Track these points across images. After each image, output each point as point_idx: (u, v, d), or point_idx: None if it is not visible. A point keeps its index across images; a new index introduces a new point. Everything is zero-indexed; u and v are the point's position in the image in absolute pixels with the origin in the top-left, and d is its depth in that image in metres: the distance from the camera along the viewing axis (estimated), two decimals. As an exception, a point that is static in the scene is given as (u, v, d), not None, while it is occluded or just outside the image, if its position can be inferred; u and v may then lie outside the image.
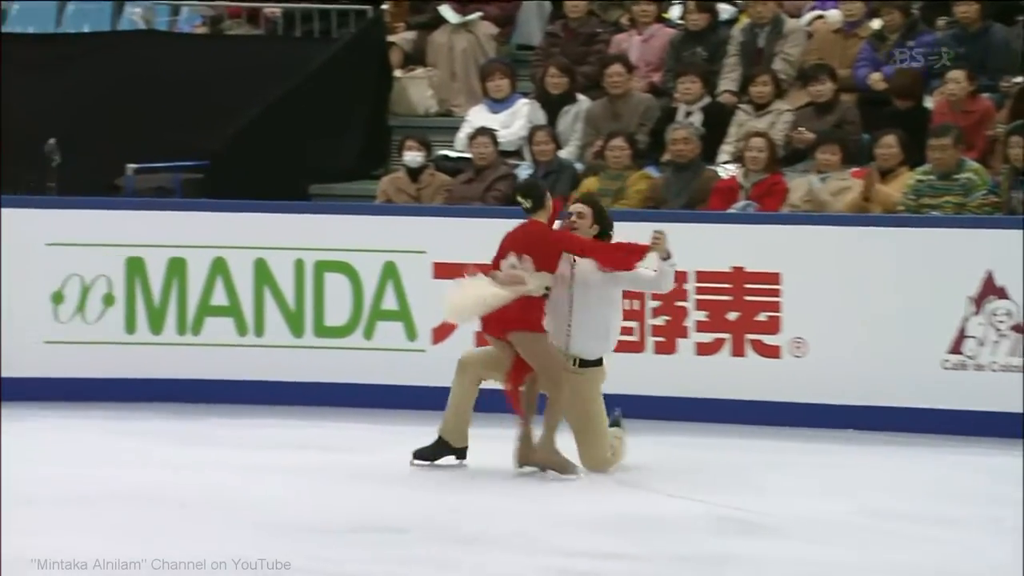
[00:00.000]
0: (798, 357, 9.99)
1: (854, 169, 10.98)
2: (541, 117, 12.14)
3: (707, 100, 11.84)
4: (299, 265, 10.53)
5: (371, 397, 10.24)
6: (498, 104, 12.29)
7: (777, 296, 10.03)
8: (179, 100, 12.63)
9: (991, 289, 9.77)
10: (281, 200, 11.08)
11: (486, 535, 7.47)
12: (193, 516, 7.69)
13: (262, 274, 10.54)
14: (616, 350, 10.07)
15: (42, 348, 10.56)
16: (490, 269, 8.62)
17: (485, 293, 8.47)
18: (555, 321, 8.60)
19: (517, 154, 12.13)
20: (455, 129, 12.42)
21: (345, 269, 10.47)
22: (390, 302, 10.34)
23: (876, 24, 12.01)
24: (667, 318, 10.14)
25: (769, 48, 12.08)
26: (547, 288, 8.58)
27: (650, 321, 10.15)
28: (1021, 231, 9.70)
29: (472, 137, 11.87)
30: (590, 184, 11.42)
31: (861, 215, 10.44)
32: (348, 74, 12.68)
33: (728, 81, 12.09)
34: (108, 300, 10.64)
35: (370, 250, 10.41)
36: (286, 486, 8.38)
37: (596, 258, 8.62)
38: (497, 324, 8.56)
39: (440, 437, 8.73)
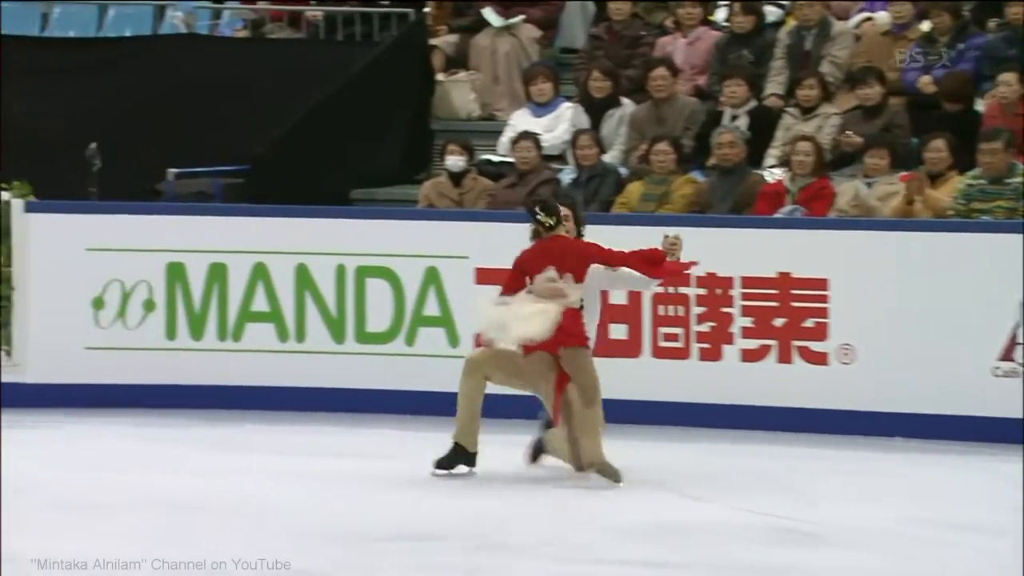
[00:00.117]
0: (846, 364, 9.96)
1: (902, 173, 10.93)
2: (585, 121, 12.14)
3: (753, 103, 11.82)
4: (340, 270, 10.56)
5: (412, 404, 10.25)
6: (541, 108, 12.30)
7: (824, 302, 10.00)
8: (220, 104, 12.69)
9: (1043, 295, 9.71)
10: (322, 205, 11.11)
11: (518, 543, 7.47)
12: (226, 523, 7.71)
13: (303, 279, 10.57)
14: (661, 356, 10.14)
15: (82, 354, 10.62)
16: (513, 288, 8.58)
17: (540, 311, 8.50)
18: None
19: (560, 158, 12.14)
20: (498, 133, 12.43)
21: (387, 274, 10.48)
22: (432, 308, 10.35)
23: (925, 26, 11.96)
24: (712, 324, 10.12)
25: (816, 51, 12.05)
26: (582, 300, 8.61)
27: (695, 327, 10.14)
28: (1074, 236, 9.64)
29: (515, 141, 11.87)
30: (634, 189, 11.42)
31: (910, 220, 10.39)
32: (390, 78, 12.71)
33: (775, 84, 12.06)
34: (149, 306, 10.69)
35: (412, 255, 10.43)
36: (322, 493, 8.40)
37: (643, 270, 8.63)
38: (551, 338, 8.56)
39: (456, 444, 8.72)
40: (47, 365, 10.61)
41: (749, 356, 10.08)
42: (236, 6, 14.41)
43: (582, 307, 8.64)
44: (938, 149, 10.76)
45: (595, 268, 8.64)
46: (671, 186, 11.30)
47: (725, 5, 12.90)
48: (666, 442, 9.72)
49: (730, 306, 10.09)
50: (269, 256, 10.59)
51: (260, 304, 10.61)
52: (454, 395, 9.56)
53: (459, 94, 13.03)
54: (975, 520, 7.96)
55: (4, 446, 9.44)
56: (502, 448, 8.84)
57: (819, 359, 9.99)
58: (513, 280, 8.66)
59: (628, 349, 10.19)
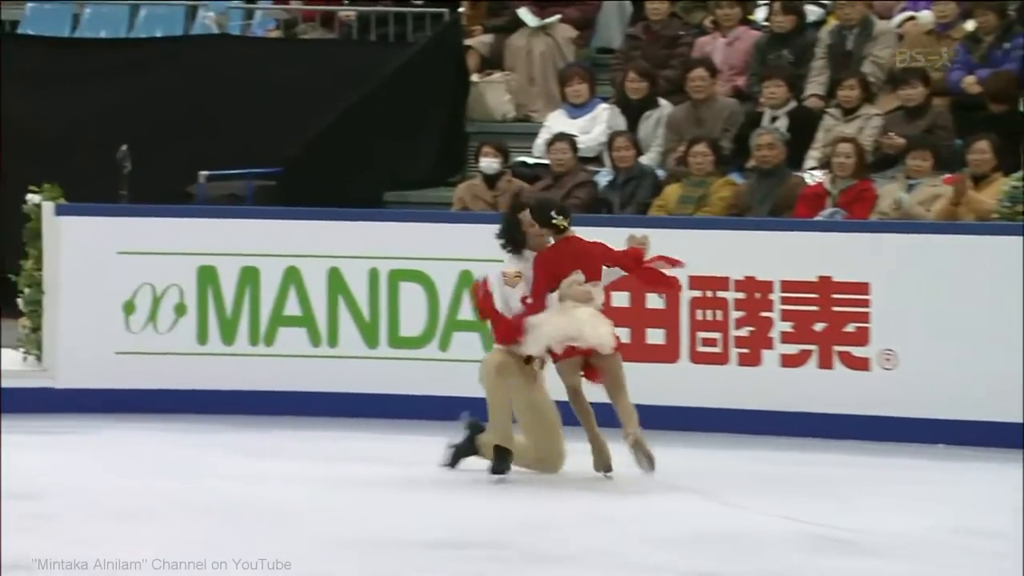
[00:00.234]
0: (888, 370, 9.93)
1: (946, 175, 10.90)
2: (621, 122, 12.14)
3: (793, 104, 11.81)
4: (373, 274, 10.58)
5: (447, 409, 10.24)
6: (577, 109, 12.31)
7: (866, 306, 9.98)
8: (252, 105, 12.74)
9: (1089, 299, 9.67)
10: (355, 208, 11.14)
11: (563, 552, 7.48)
12: (257, 530, 7.72)
13: (336, 283, 10.60)
14: (699, 361, 10.14)
15: (113, 359, 10.67)
16: (543, 292, 8.67)
17: (594, 314, 8.65)
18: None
19: (597, 160, 12.14)
20: (533, 135, 12.45)
21: (420, 278, 10.50)
22: (467, 312, 10.35)
23: (970, 25, 11.93)
24: (751, 329, 10.11)
25: (858, 51, 12.03)
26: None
27: (734, 332, 10.13)
28: (1121, 239, 9.60)
29: (550, 143, 11.89)
30: (672, 191, 11.42)
31: (953, 223, 10.36)
32: (424, 79, 12.73)
33: (815, 85, 12.05)
34: (180, 310, 10.73)
35: (446, 259, 10.44)
36: (356, 500, 8.42)
37: (633, 270, 8.77)
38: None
39: (501, 447, 8.76)
40: (77, 370, 10.66)
41: (789, 361, 10.07)
42: (268, 6, 14.47)
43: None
44: (982, 151, 10.73)
45: (605, 269, 8.79)
46: (709, 188, 11.30)
47: (765, 4, 12.89)
48: (704, 449, 9.71)
49: (769, 310, 10.08)
50: (301, 259, 10.62)
51: (292, 308, 10.65)
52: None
53: (494, 95, 13.05)
54: (1020, 530, 7.92)
55: (33, 452, 9.51)
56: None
57: (860, 364, 9.97)
58: (544, 283, 8.68)
59: (665, 354, 10.19)
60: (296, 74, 12.85)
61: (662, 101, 12.21)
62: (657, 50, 12.57)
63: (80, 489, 8.49)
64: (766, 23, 12.68)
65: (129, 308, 10.71)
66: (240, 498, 8.37)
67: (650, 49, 12.59)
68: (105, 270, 10.69)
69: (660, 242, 10.27)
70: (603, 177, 11.84)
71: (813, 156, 11.62)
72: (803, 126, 11.66)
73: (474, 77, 13.11)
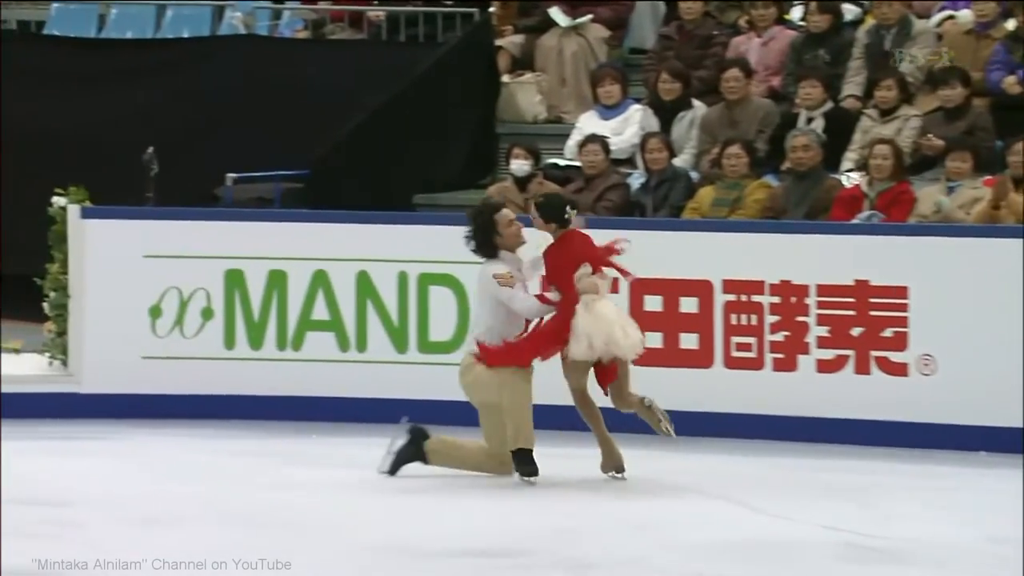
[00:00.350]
0: (927, 375, 9.91)
1: (986, 177, 10.87)
2: (654, 124, 12.14)
3: (829, 105, 11.79)
4: (403, 278, 10.61)
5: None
6: (609, 110, 12.31)
7: (904, 311, 9.96)
8: (280, 107, 12.77)
9: None
10: (384, 211, 11.16)
11: (590, 559, 7.48)
12: (288, 538, 7.75)
13: (364, 287, 10.62)
14: (733, 367, 10.13)
15: (139, 363, 10.71)
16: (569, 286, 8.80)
17: (614, 316, 8.84)
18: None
19: (629, 162, 12.14)
20: (565, 136, 12.45)
21: (450, 282, 10.52)
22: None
23: (1011, 24, 11.89)
24: (787, 334, 10.11)
25: (896, 50, 12.00)
26: None
27: (769, 337, 10.12)
28: None
29: (582, 145, 11.89)
30: (706, 194, 11.42)
31: (993, 226, 10.33)
32: (454, 80, 12.75)
33: (852, 85, 12.03)
34: (207, 314, 10.77)
35: (476, 262, 10.43)
36: (382, 507, 8.44)
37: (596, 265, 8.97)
38: None
39: (525, 450, 8.84)
40: (103, 375, 10.70)
41: (825, 367, 10.05)
42: (296, 6, 14.50)
43: None
44: (1023, 152, 10.70)
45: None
46: (744, 191, 11.29)
47: (801, 4, 12.87)
48: (737, 455, 9.71)
49: (805, 315, 10.07)
50: (330, 263, 10.65)
51: (320, 312, 10.67)
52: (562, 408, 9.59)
53: (525, 96, 13.06)
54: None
55: (59, 458, 9.56)
56: (566, 460, 8.88)
57: (898, 370, 9.95)
58: (561, 275, 8.81)
59: (699, 359, 10.19)
60: (324, 75, 12.88)
61: (696, 102, 12.20)
62: (691, 50, 12.57)
63: (105, 496, 8.53)
64: (802, 22, 12.66)
65: (156, 312, 10.75)
66: (266, 505, 8.39)
67: (684, 49, 12.59)
68: (131, 274, 10.73)
69: (694, 245, 10.33)
70: (636, 179, 11.84)
71: (850, 158, 11.59)
72: (840, 127, 11.64)
73: (505, 78, 13.12)
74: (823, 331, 10.05)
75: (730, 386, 10.12)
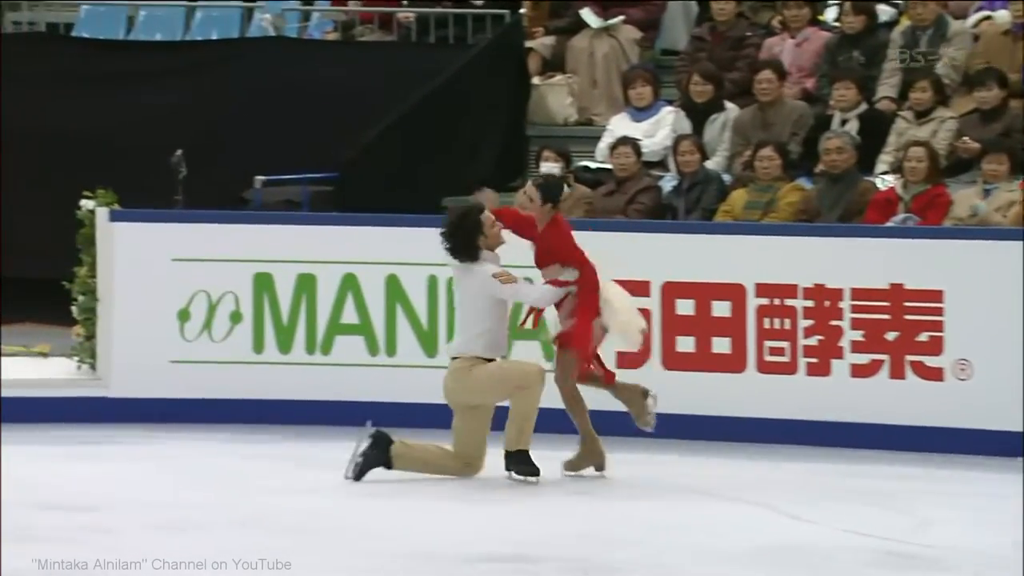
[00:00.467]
0: (962, 380, 9.89)
1: (1022, 180, 10.84)
2: (686, 126, 12.14)
3: (864, 107, 11.77)
4: (432, 281, 10.62)
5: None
6: (641, 112, 12.31)
7: (939, 315, 9.94)
8: (309, 109, 12.80)
9: None
10: (414, 214, 11.18)
11: (627, 565, 7.48)
12: (316, 544, 7.76)
13: (394, 291, 10.64)
14: (766, 371, 10.12)
15: (167, 367, 10.74)
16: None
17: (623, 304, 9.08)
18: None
19: (661, 165, 12.14)
20: (596, 139, 12.46)
21: (480, 285, 10.51)
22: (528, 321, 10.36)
23: (1048, 25, 11.86)
24: (821, 338, 10.09)
25: (932, 51, 11.97)
26: None
27: (802, 341, 10.11)
28: None
29: (613, 147, 11.90)
30: (738, 196, 11.41)
31: (1030, 229, 10.32)
32: (484, 81, 12.77)
33: (887, 87, 12.00)
34: (235, 317, 10.80)
35: (507, 265, 10.46)
36: (416, 513, 8.45)
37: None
38: None
39: (524, 451, 8.97)
40: (131, 379, 10.74)
41: (859, 371, 10.04)
42: (326, 8, 14.53)
43: None
44: (1060, 154, 10.67)
45: None
46: (777, 194, 11.28)
47: (835, 4, 12.85)
48: (771, 461, 9.70)
49: (840, 319, 10.06)
50: (359, 266, 10.67)
51: (349, 316, 10.70)
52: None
53: (556, 98, 13.07)
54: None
55: (86, 462, 9.60)
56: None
57: (934, 375, 9.93)
58: (577, 254, 9.05)
59: (732, 363, 10.19)
60: (354, 77, 12.91)
61: (728, 104, 12.19)
62: (723, 52, 12.56)
63: (132, 500, 8.55)
64: (836, 23, 12.64)
65: (184, 316, 10.79)
66: (290, 510, 8.41)
67: (716, 51, 12.58)
68: (160, 277, 10.77)
69: (726, 248, 10.32)
70: (668, 182, 11.84)
71: (884, 160, 11.57)
72: (874, 129, 11.62)
73: (535, 80, 13.13)
74: (857, 335, 10.04)
75: (763, 391, 10.11)
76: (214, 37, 14.42)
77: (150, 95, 13.06)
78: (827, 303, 10.09)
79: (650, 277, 10.24)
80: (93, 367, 10.92)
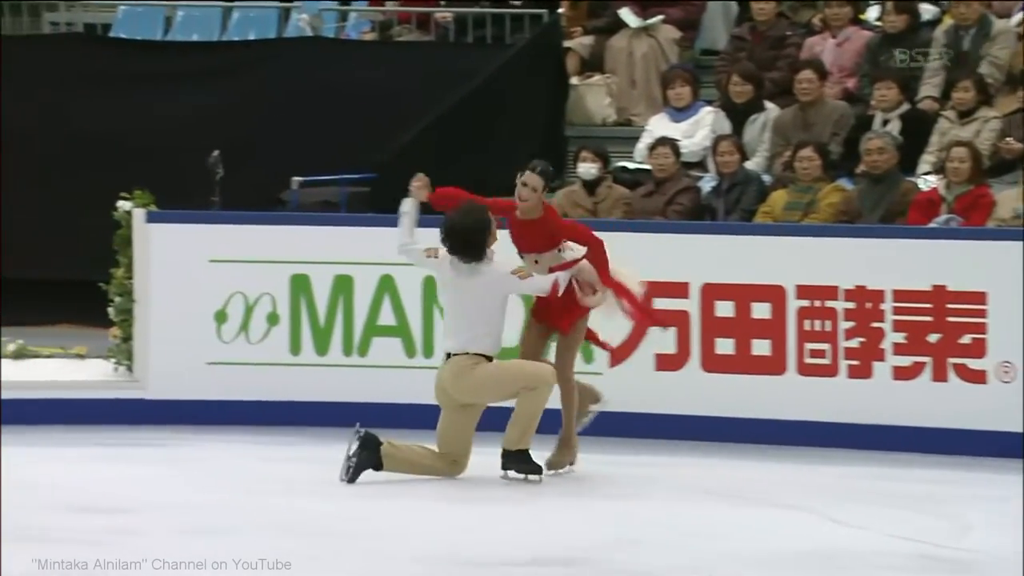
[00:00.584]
0: (1006, 383, 9.84)
1: (1067, 180, 10.80)
2: (726, 126, 12.11)
3: (906, 107, 11.73)
4: (470, 283, 10.60)
5: (547, 422, 10.27)
6: (680, 113, 12.30)
7: (983, 317, 9.89)
8: (346, 109, 12.82)
9: None
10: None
11: (663, 570, 7.46)
12: (350, 548, 7.74)
13: (431, 293, 10.63)
14: (807, 373, 10.09)
15: (204, 369, 10.77)
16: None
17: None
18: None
19: (700, 165, 12.13)
20: (634, 139, 12.45)
21: (519, 287, 10.51)
22: (564, 322, 10.35)
23: (1093, 24, 11.81)
24: (862, 340, 10.06)
25: (975, 51, 11.92)
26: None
27: (843, 343, 10.08)
28: None
29: (652, 147, 11.88)
30: (778, 197, 11.38)
31: (1075, 229, 10.26)
32: (522, 82, 12.77)
33: (929, 87, 11.96)
34: (272, 319, 10.82)
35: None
36: (452, 516, 8.45)
37: None
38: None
39: (525, 450, 8.99)
40: (168, 381, 10.77)
41: (901, 374, 10.00)
42: (363, 8, 14.55)
43: None
44: (1105, 154, 10.62)
45: None
46: (817, 194, 11.25)
47: (877, 3, 12.81)
48: (811, 464, 9.67)
49: (881, 321, 10.02)
50: (396, 268, 10.66)
51: (387, 318, 10.70)
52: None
53: (594, 98, 13.06)
54: None
55: (122, 464, 9.63)
56: (620, 468, 8.91)
57: (977, 377, 9.88)
58: (583, 231, 9.19)
59: (772, 366, 10.16)
60: (391, 77, 12.92)
61: (768, 104, 12.17)
62: (763, 51, 12.53)
63: (167, 504, 8.57)
64: (878, 23, 12.60)
65: (221, 317, 10.82)
66: (333, 515, 8.41)
67: (756, 50, 12.55)
68: (196, 278, 10.79)
69: (766, 250, 10.29)
70: (707, 183, 11.82)
71: (927, 161, 11.53)
72: (916, 129, 11.58)
73: (574, 80, 13.12)
74: (899, 337, 10.00)
75: (803, 393, 10.08)
76: (251, 38, 14.45)
77: (187, 96, 13.10)
78: (868, 305, 10.05)
79: (689, 279, 10.22)
80: (130, 369, 10.95)
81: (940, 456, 9.73)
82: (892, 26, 12.24)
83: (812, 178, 11.31)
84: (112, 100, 13.12)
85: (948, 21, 12.30)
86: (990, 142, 11.37)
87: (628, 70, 13.08)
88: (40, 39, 14.43)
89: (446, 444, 9.08)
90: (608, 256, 9.08)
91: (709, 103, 12.39)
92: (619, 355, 9.43)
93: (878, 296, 10.03)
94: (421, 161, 12.41)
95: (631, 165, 12.27)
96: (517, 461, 9.03)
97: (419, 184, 9.30)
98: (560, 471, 9.24)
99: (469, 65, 12.88)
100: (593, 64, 13.26)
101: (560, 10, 13.46)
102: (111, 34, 14.83)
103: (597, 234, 9.12)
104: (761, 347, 10.16)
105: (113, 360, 11.10)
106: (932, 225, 10.74)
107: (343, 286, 10.73)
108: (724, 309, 10.20)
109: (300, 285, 10.78)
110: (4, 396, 10.51)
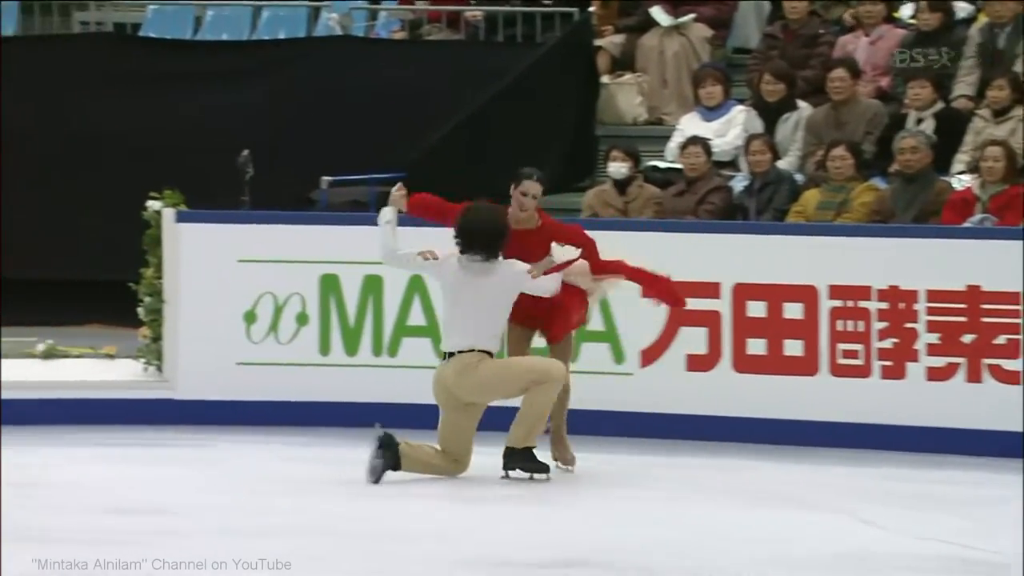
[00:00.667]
0: (1041, 384, 9.81)
1: (1103, 179, 10.75)
2: (758, 125, 12.09)
3: (940, 106, 11.69)
4: (500, 283, 10.60)
5: (577, 423, 10.27)
6: (712, 112, 12.28)
7: (1017, 317, 9.86)
8: (376, 109, 12.84)
9: None
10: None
11: (695, 572, 7.45)
12: (378, 549, 7.74)
13: (461, 292, 10.63)
14: (839, 374, 10.06)
15: (234, 370, 10.79)
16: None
17: None
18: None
19: (731, 165, 12.11)
20: (665, 138, 12.43)
21: (548, 287, 10.50)
22: (596, 322, 10.35)
23: None
24: (895, 341, 10.03)
25: (1010, 49, 11.88)
26: None
27: (876, 344, 10.05)
28: None
29: (684, 147, 11.87)
30: (811, 197, 11.35)
31: (1111, 229, 10.22)
32: (553, 80, 12.76)
33: (964, 85, 11.92)
34: (302, 319, 10.84)
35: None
36: (478, 517, 8.45)
37: None
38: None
39: (530, 448, 9.02)
40: (198, 381, 10.80)
41: (935, 375, 9.97)
42: (393, 7, 14.57)
43: None
44: None
45: None
46: (850, 194, 11.22)
47: (911, 1, 12.77)
48: (844, 465, 9.65)
49: (915, 321, 9.99)
50: (426, 268, 10.66)
51: (417, 318, 10.71)
52: (619, 415, 9.62)
53: (625, 97, 13.05)
54: None
55: (152, 465, 9.65)
56: (654, 469, 8.93)
57: (1011, 378, 9.84)
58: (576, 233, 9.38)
59: (804, 367, 10.14)
60: (421, 76, 12.93)
61: (801, 103, 12.14)
62: (796, 50, 12.51)
63: (196, 505, 8.59)
64: (912, 21, 12.56)
65: (250, 318, 10.84)
66: (362, 515, 8.42)
67: (789, 49, 12.53)
68: (226, 278, 10.81)
69: (798, 249, 10.27)
70: (739, 182, 11.80)
71: (961, 160, 11.49)
72: (951, 128, 11.53)
73: (604, 79, 13.12)
74: (933, 338, 9.97)
75: (836, 394, 10.06)
76: (281, 37, 14.49)
77: (217, 95, 13.14)
78: (902, 305, 10.03)
79: (721, 279, 10.20)
80: (159, 369, 10.98)
81: (974, 458, 9.69)
82: (926, 24, 12.19)
83: (845, 177, 11.28)
84: (141, 100, 13.16)
85: (983, 19, 12.25)
86: (1025, 141, 11.33)
87: (659, 69, 13.07)
88: (70, 38, 14.48)
89: (448, 443, 9.11)
90: (599, 254, 9.15)
91: (741, 102, 12.37)
92: (655, 290, 9.37)
93: (912, 296, 10.00)
94: (451, 160, 12.47)
95: (662, 164, 12.25)
96: (523, 459, 9.02)
97: (401, 193, 9.28)
98: (562, 467, 9.22)
99: (499, 64, 12.89)
100: (624, 63, 13.25)
101: (591, 8, 13.46)
102: (141, 33, 14.89)
103: (589, 233, 9.25)
104: (793, 348, 10.14)
105: (143, 360, 11.13)
106: (966, 225, 10.70)
107: (373, 286, 10.73)
108: (756, 309, 10.18)
109: (330, 285, 10.79)
110: (33, 396, 10.56)
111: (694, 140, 11.84)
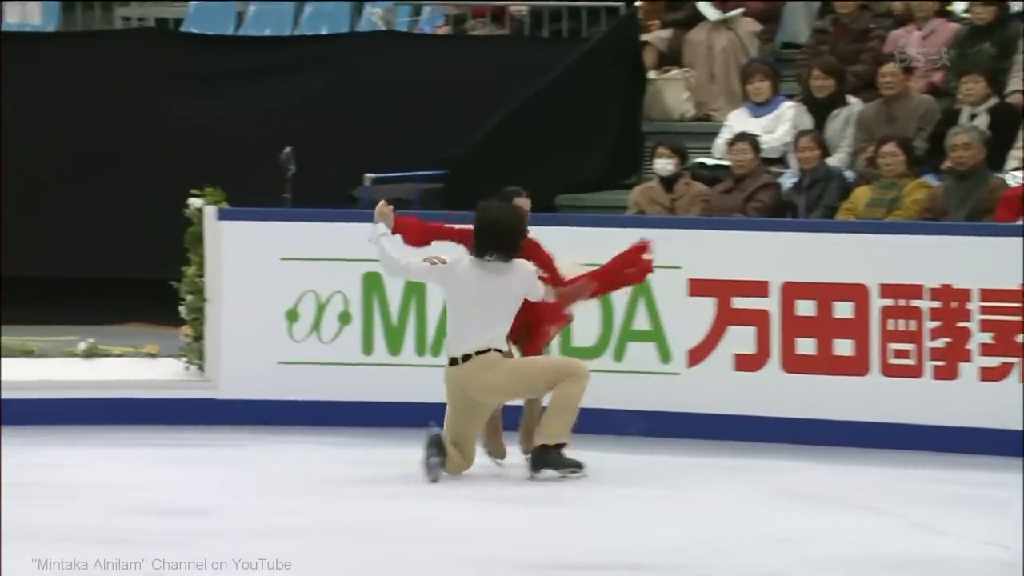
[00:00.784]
0: (1096, 384, 9.73)
1: None
2: (807, 121, 12.04)
3: (994, 101, 11.61)
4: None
5: (621, 422, 10.24)
6: (760, 107, 12.23)
7: (1072, 316, 9.78)
8: (419, 105, 12.84)
9: None
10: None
11: (746, 574, 7.41)
12: (416, 552, 7.71)
13: (505, 291, 10.60)
14: (891, 374, 10.00)
15: (275, 369, 10.79)
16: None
17: None
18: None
19: (780, 161, 12.06)
20: (713, 135, 12.39)
21: (594, 285, 10.47)
22: (642, 321, 10.32)
23: None
24: (948, 340, 9.96)
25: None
26: None
27: (928, 344, 9.98)
28: None
29: (731, 143, 11.83)
30: (861, 194, 11.29)
31: None
32: (598, 76, 12.74)
33: (1018, 80, 11.84)
34: (344, 318, 10.83)
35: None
36: (521, 519, 8.42)
37: None
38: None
39: (563, 444, 9.01)
40: (239, 380, 10.80)
41: (988, 375, 9.89)
42: (437, 2, 14.57)
43: None
44: None
45: None
46: (902, 191, 11.15)
47: (964, -2, 12.72)
48: (895, 467, 9.59)
49: (967, 320, 9.92)
50: (470, 266, 10.64)
51: (461, 317, 10.67)
52: (666, 414, 9.55)
53: (672, 93, 13.02)
54: None
55: (193, 466, 9.66)
56: (694, 471, 8.89)
57: (1066, 379, 9.77)
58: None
59: (855, 366, 10.08)
60: (465, 72, 12.93)
61: (851, 99, 12.08)
62: (846, 44, 12.44)
63: (240, 506, 8.59)
64: (965, 14, 12.48)
65: (292, 316, 10.83)
66: (403, 518, 8.40)
67: (839, 44, 12.47)
68: (268, 277, 10.81)
69: (849, 248, 10.21)
70: (788, 179, 11.75)
71: (1015, 156, 11.41)
72: (1005, 124, 11.45)
73: (651, 74, 13.09)
74: (986, 338, 9.89)
75: (887, 395, 10.00)
76: (324, 32, 14.50)
77: (259, 91, 13.17)
78: (954, 304, 9.95)
79: (769, 277, 10.15)
80: (201, 368, 10.99)
81: (1028, 459, 9.62)
82: (980, 18, 12.12)
83: (896, 174, 11.22)
84: (183, 96, 13.20)
85: (1038, 13, 12.18)
86: (1080, 137, 11.24)
87: (707, 64, 13.03)
88: (112, 34, 14.53)
89: (458, 442, 9.12)
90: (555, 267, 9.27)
91: (790, 97, 12.32)
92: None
93: (964, 295, 9.92)
94: (495, 157, 12.46)
95: (709, 161, 12.21)
96: (556, 457, 8.98)
97: (387, 210, 9.27)
98: (497, 461, 9.30)
99: (544, 59, 12.87)
100: (671, 58, 13.21)
101: (637, 3, 13.43)
102: (183, 29, 14.92)
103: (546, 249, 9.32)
104: (843, 347, 10.07)
105: (184, 359, 11.14)
106: (1021, 222, 10.62)
107: (416, 285, 10.70)
108: (805, 308, 10.13)
109: (372, 284, 10.77)
110: (74, 395, 10.59)
111: (742, 136, 11.79)
